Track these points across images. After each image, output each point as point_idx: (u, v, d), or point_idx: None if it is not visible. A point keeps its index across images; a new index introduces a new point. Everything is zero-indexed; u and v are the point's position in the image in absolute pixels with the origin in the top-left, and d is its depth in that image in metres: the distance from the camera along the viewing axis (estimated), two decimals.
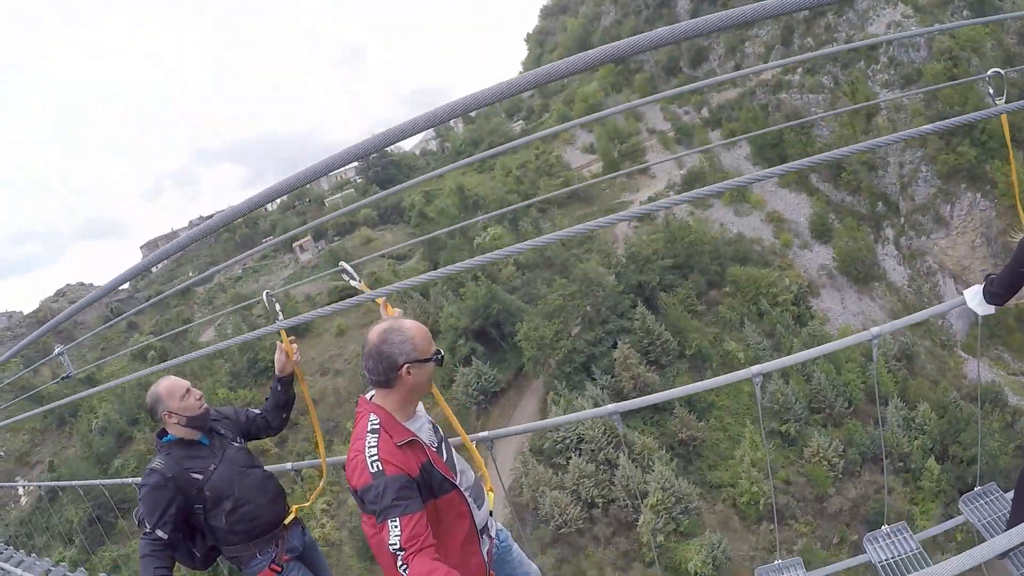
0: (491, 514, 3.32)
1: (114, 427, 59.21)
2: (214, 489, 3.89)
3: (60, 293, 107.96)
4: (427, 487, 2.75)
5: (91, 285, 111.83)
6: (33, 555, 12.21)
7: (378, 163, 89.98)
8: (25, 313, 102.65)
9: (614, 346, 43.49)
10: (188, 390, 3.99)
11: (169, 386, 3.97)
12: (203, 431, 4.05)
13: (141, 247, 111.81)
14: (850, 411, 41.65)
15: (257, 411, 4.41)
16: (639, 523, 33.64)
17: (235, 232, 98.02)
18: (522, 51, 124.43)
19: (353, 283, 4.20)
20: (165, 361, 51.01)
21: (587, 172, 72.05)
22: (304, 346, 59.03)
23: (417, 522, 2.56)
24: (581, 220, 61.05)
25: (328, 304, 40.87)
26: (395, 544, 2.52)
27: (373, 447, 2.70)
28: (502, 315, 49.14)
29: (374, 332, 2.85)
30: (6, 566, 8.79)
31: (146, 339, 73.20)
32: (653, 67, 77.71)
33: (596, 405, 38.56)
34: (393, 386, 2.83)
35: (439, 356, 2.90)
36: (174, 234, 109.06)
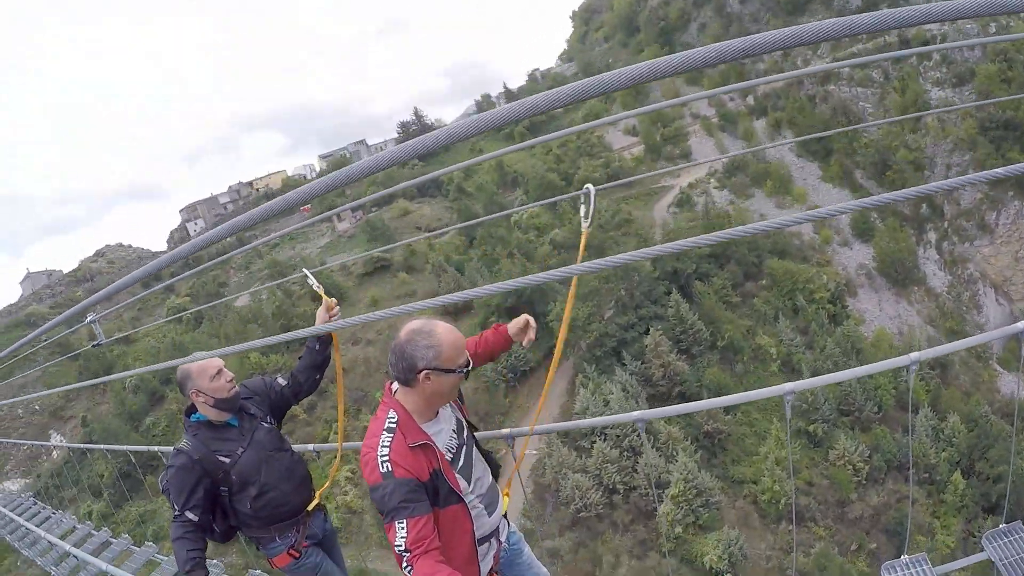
0: (504, 516, 3.29)
1: (147, 386, 60.33)
2: (240, 474, 3.85)
3: (99, 253, 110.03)
4: (434, 493, 2.70)
5: (128, 246, 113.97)
6: (59, 512, 12.37)
7: (419, 135, 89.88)
8: (64, 272, 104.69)
9: (646, 332, 43.37)
10: (220, 371, 3.88)
11: (200, 367, 3.87)
12: (232, 412, 3.99)
13: (180, 210, 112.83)
14: (879, 416, 41.03)
15: (284, 381, 4.29)
16: (658, 513, 33.59)
17: (273, 198, 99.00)
18: (567, 28, 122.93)
19: (314, 287, 4.13)
20: (200, 324, 52.23)
21: (628, 154, 71.67)
22: (340, 316, 59.39)
23: (424, 525, 2.55)
24: (620, 203, 60.89)
25: (363, 274, 41.39)
26: (400, 545, 2.53)
27: (386, 447, 2.67)
28: (535, 294, 48.73)
29: (405, 329, 2.77)
30: (29, 525, 8.98)
31: (182, 301, 74.89)
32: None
33: (624, 391, 39.02)
34: (412, 387, 2.76)
35: (465, 369, 2.76)
36: (213, 199, 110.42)
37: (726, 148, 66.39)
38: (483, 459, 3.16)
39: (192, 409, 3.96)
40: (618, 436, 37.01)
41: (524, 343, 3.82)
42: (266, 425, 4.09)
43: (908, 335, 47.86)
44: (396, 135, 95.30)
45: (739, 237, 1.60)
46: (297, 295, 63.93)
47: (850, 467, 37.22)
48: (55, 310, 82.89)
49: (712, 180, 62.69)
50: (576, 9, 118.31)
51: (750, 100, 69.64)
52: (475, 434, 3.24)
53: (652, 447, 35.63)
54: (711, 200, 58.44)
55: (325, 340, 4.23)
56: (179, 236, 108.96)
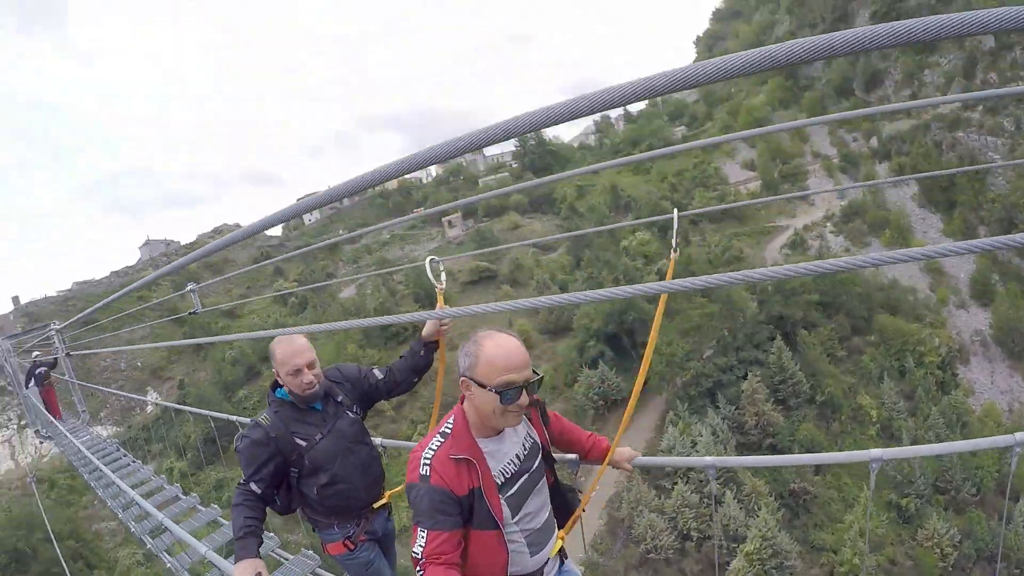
0: (561, 556, 3.06)
1: (245, 359, 63.33)
2: (314, 460, 3.80)
3: (216, 231, 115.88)
4: (469, 511, 2.58)
5: (239, 226, 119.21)
6: (139, 462, 12.75)
7: (535, 150, 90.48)
8: (182, 243, 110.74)
9: (744, 377, 42.39)
10: (300, 371, 3.75)
11: (285, 354, 3.76)
12: (316, 399, 3.91)
13: (297, 200, 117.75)
14: (976, 498, 38.19)
15: (381, 375, 4.20)
16: (730, 567, 32.42)
17: (388, 199, 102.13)
18: (690, 53, 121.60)
19: (435, 282, 3.94)
20: (304, 309, 54.61)
21: (744, 189, 70.41)
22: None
23: (445, 540, 2.50)
24: (732, 239, 60.42)
25: (468, 282, 42.45)
26: (417, 553, 2.53)
27: (431, 451, 2.61)
28: (637, 323, 48.35)
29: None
30: (105, 468, 8.92)
31: (290, 286, 78.52)
32: (825, 86, 74.62)
33: (714, 435, 38.20)
34: (465, 396, 2.69)
35: (505, 392, 2.51)
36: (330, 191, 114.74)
37: (845, 192, 64.84)
38: (551, 495, 2.99)
39: (278, 384, 3.92)
40: (701, 481, 36.16)
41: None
42: (351, 415, 4.03)
43: (1019, 413, 44.78)
44: (513, 147, 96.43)
45: (831, 272, 1.70)
46: (401, 295, 65.77)
47: (937, 550, 34.62)
48: (168, 278, 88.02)
49: (828, 224, 61.22)
50: (700, 35, 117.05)
51: (874, 142, 67.52)
52: (553, 462, 3.07)
53: (734, 498, 34.70)
54: (825, 244, 57.10)
55: (430, 346, 4.12)
56: (293, 223, 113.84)
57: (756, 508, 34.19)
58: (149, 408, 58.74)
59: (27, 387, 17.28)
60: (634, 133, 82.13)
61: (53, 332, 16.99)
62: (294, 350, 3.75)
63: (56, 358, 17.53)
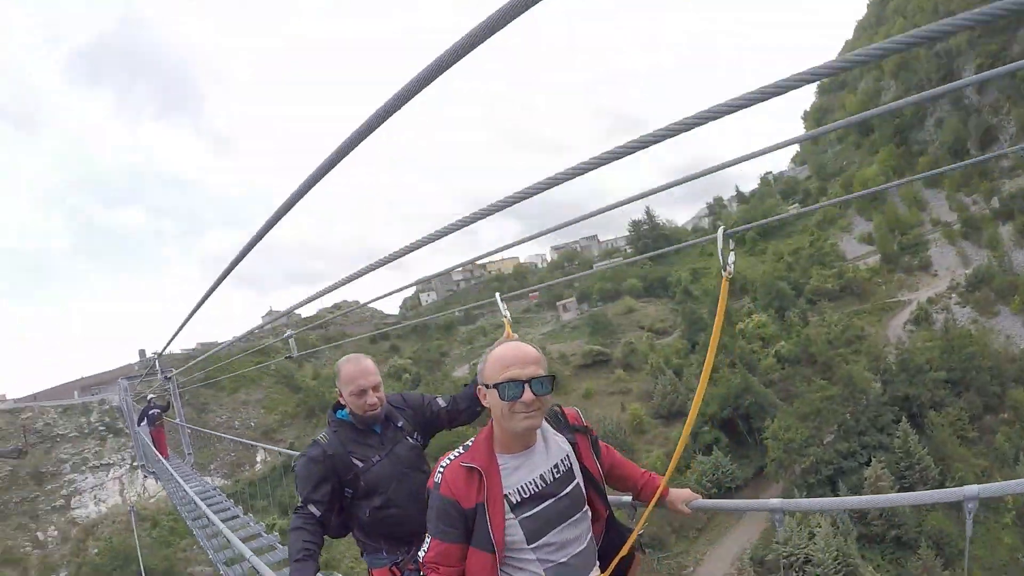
0: None
1: None
2: (369, 482, 3.78)
3: (336, 306, 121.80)
4: (470, 527, 2.49)
5: (363, 304, 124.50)
6: (248, 515, 12.95)
7: (649, 234, 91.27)
8: (302, 316, 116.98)
9: (867, 463, 41.08)
10: (365, 392, 3.76)
11: (351, 373, 3.81)
12: (376, 422, 3.91)
13: (414, 282, 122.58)
14: None
15: (444, 403, 4.13)
16: None
17: (503, 282, 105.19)
18: (799, 129, 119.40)
19: (503, 315, 4.10)
20: (417, 385, 56.62)
21: (863, 264, 69.01)
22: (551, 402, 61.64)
23: (445, 551, 2.48)
24: (851, 317, 59.09)
25: (582, 365, 42.78)
26: (420, 557, 2.56)
27: (448, 460, 2.59)
28: (753, 408, 48.34)
29: None
30: (214, 518, 8.82)
31: (404, 363, 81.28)
32: (938, 148, 72.47)
33: (834, 525, 36.84)
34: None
35: (505, 386, 2.43)
36: (447, 274, 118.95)
37: (969, 258, 62.40)
38: (607, 532, 2.80)
39: (340, 405, 3.96)
40: None
41: None
42: (410, 441, 3.98)
43: None
44: (627, 233, 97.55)
45: None
46: None
47: None
48: (285, 348, 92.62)
49: (953, 295, 59.14)
50: (807, 109, 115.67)
51: (995, 203, 64.58)
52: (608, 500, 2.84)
53: None
54: (952, 317, 55.11)
55: None
56: (411, 303, 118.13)
57: None
58: (258, 466, 61.36)
59: (139, 425, 18.83)
60: (747, 213, 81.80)
61: (169, 377, 19.05)
62: (361, 370, 3.80)
63: (169, 401, 19.41)
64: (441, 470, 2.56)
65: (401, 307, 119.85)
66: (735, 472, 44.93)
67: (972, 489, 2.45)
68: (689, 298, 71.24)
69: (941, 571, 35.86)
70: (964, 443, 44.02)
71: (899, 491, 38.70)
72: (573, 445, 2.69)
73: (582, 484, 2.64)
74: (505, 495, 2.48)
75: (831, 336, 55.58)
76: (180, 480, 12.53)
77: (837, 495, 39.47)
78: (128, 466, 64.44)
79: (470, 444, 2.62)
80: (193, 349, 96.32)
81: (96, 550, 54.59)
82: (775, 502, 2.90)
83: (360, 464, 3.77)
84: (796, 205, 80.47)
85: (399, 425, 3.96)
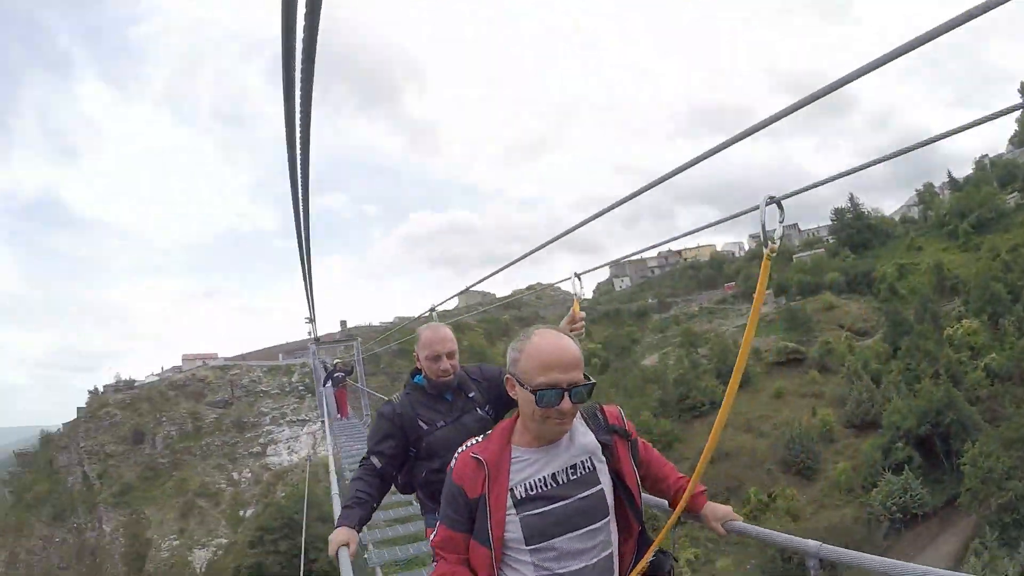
0: None
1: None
2: (431, 444, 3.89)
3: (531, 288, 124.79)
4: (474, 517, 2.40)
5: (557, 288, 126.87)
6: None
7: (852, 224, 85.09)
8: (497, 296, 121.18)
9: None
10: (439, 357, 3.94)
11: (429, 339, 4.01)
12: (447, 389, 4.06)
13: (609, 265, 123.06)
14: None
15: None
16: None
17: (700, 271, 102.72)
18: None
19: (575, 293, 3.91)
20: (605, 371, 57.17)
21: None
22: (740, 398, 59.83)
23: (450, 538, 2.42)
24: None
25: (775, 363, 40.80)
26: (430, 541, 2.57)
27: (466, 447, 2.49)
28: (954, 427, 43.93)
29: None
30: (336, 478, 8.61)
31: (595, 346, 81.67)
32: None
33: None
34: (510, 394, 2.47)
35: (542, 394, 2.26)
36: (642, 261, 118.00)
37: None
38: (612, 550, 2.45)
39: (418, 371, 4.12)
40: None
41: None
42: (479, 412, 4.04)
43: None
44: (830, 221, 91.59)
45: None
46: (703, 369, 65.45)
47: None
48: (482, 324, 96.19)
49: None
50: None
51: None
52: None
53: None
54: None
55: None
56: (604, 289, 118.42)
57: None
58: None
59: (324, 385, 20.06)
60: (960, 202, 73.75)
61: (355, 343, 20.47)
62: (438, 337, 3.99)
63: (353, 366, 21.04)
64: (457, 455, 2.48)
65: (595, 291, 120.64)
66: (925, 498, 41.16)
67: (812, 545, 2.43)
68: (894, 296, 65.97)
69: None
70: None
71: None
72: (607, 447, 2.50)
73: (607, 492, 2.44)
74: (510, 488, 2.36)
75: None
76: (329, 435, 13.99)
77: None
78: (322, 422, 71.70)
79: (488, 435, 2.52)
80: (391, 322, 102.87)
81: (283, 493, 59.93)
82: (812, 544, 2.58)
83: (425, 427, 3.92)
84: (1016, 195, 71.54)
85: (470, 395, 4.07)
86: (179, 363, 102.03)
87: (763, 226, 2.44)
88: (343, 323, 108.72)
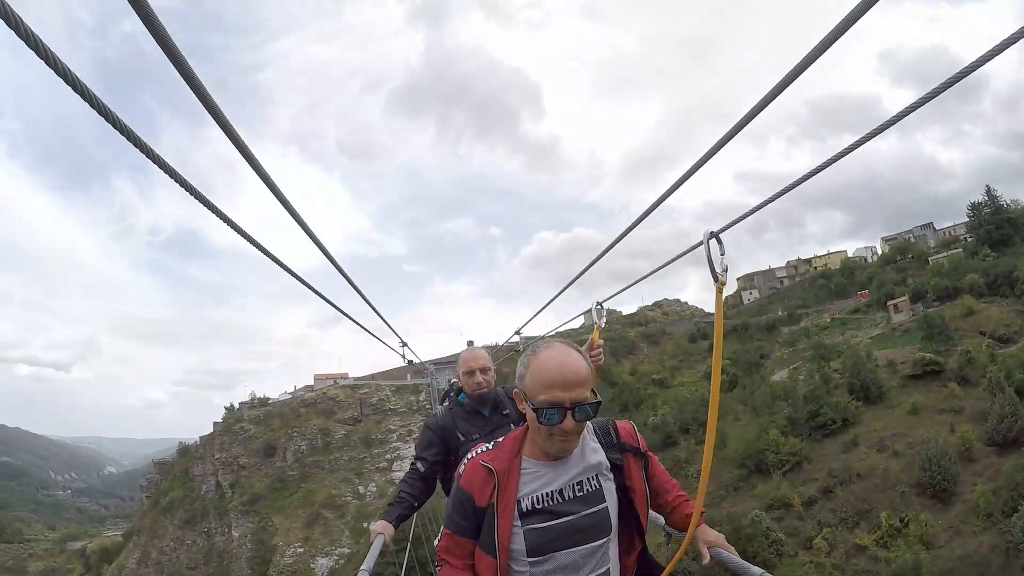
0: None
1: (665, 427, 66.33)
2: (466, 454, 4.04)
3: (656, 304, 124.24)
4: (481, 525, 2.39)
5: (684, 303, 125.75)
6: None
7: (992, 220, 78.58)
8: (623, 313, 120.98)
9: None
10: (473, 372, 4.50)
11: (465, 358, 4.58)
12: (482, 406, 4.57)
13: (737, 279, 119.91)
14: None
15: None
16: None
17: (831, 280, 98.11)
18: None
19: (596, 322, 4.01)
20: (734, 387, 56.01)
21: None
22: (872, 415, 57.17)
23: (455, 544, 2.42)
24: None
25: (910, 375, 38.53)
26: (436, 547, 2.54)
27: (475, 454, 2.50)
28: None
29: None
30: None
31: (723, 362, 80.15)
32: None
33: None
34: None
35: (543, 411, 2.26)
36: (770, 271, 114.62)
37: None
38: (624, 564, 2.54)
39: (462, 390, 4.65)
40: None
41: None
42: (512, 428, 4.14)
43: None
44: (967, 218, 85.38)
45: None
46: (835, 383, 62.27)
47: None
48: (608, 342, 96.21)
49: None
50: None
51: None
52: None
53: None
54: None
55: None
56: (732, 302, 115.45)
57: None
58: None
59: (440, 404, 21.35)
60: None
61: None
62: (473, 356, 4.56)
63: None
64: (465, 462, 2.50)
65: (725, 305, 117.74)
66: None
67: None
68: None
69: None
70: None
71: None
72: (617, 466, 2.50)
73: (612, 510, 2.44)
74: (518, 500, 2.36)
75: None
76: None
77: None
78: None
79: (498, 443, 2.52)
80: (516, 342, 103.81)
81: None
82: (756, 571, 2.59)
83: (462, 438, 4.40)
84: None
85: (505, 412, 4.53)
86: (311, 382, 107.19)
87: (709, 261, 2.49)
88: (470, 343, 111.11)
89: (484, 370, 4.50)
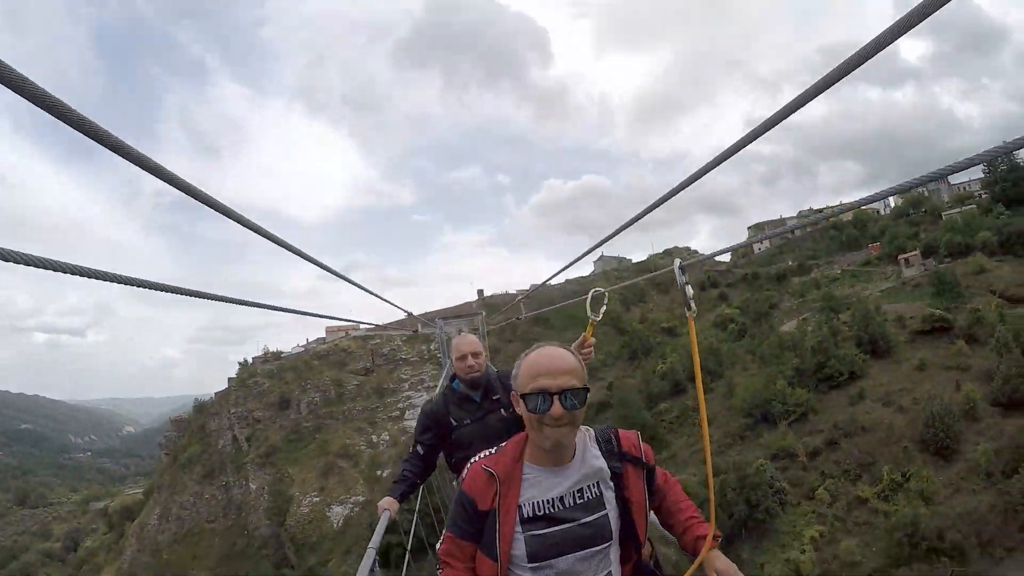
0: None
1: (673, 375, 67.64)
2: (459, 437, 4.64)
3: (667, 252, 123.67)
4: (483, 528, 2.42)
5: (694, 250, 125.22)
6: None
7: (1008, 177, 77.05)
8: (633, 261, 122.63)
9: None
10: (464, 356, 4.70)
11: (456, 343, 4.80)
12: (474, 389, 4.76)
13: (748, 227, 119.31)
14: None
15: None
16: None
17: (842, 231, 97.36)
18: None
19: (590, 315, 3.62)
20: (743, 336, 56.21)
21: None
22: (879, 369, 57.73)
23: (457, 547, 2.44)
24: None
25: (918, 331, 39.28)
26: (437, 550, 2.58)
27: (478, 459, 2.53)
28: None
29: None
30: None
31: (732, 312, 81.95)
32: None
33: None
34: None
35: (530, 397, 2.32)
36: (780, 220, 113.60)
37: None
38: (623, 572, 2.53)
39: (456, 376, 4.86)
40: None
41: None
42: (503, 412, 4.63)
43: None
44: (982, 174, 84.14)
45: None
46: (843, 336, 62.61)
47: None
48: (616, 290, 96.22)
49: None
50: None
51: None
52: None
53: None
54: None
55: None
56: (742, 251, 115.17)
57: None
58: None
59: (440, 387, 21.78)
60: None
61: (479, 318, 21.15)
62: (464, 341, 4.79)
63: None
64: (468, 467, 2.52)
65: (733, 255, 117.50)
66: None
67: None
68: None
69: None
70: None
71: None
72: (617, 475, 2.51)
73: (612, 518, 2.45)
74: (519, 505, 2.39)
75: None
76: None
77: None
78: None
79: (502, 447, 2.54)
80: (527, 289, 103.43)
81: None
82: None
83: (455, 423, 4.66)
84: None
85: (495, 397, 4.70)
86: (323, 335, 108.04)
87: (682, 290, 2.66)
88: (480, 292, 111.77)
89: (475, 354, 4.71)
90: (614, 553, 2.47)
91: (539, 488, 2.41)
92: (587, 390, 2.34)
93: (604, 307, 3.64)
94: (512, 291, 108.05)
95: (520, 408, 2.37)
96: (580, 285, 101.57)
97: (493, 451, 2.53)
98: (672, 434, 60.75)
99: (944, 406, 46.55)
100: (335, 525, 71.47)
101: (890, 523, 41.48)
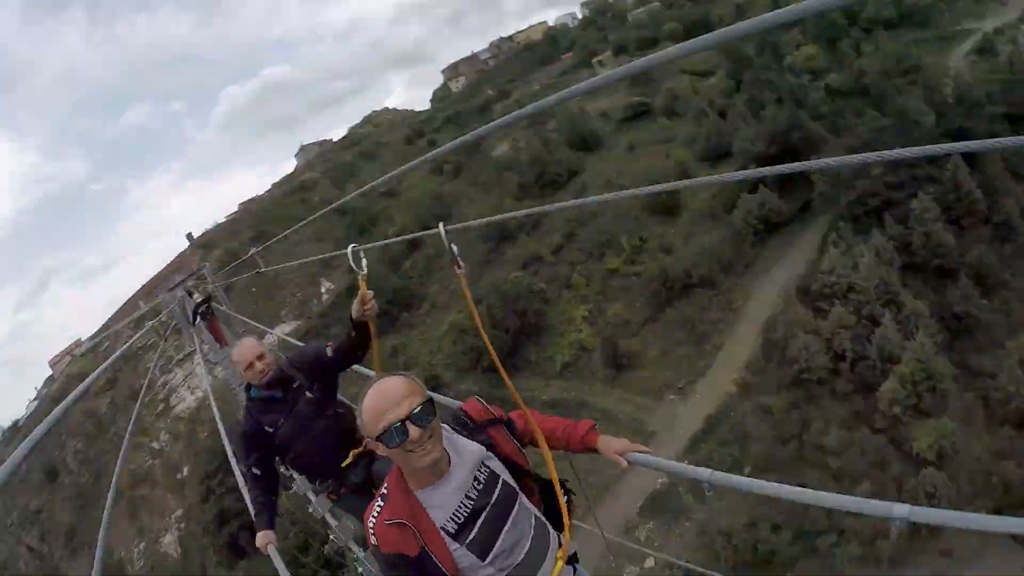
0: (574, 563, 2.69)
1: (406, 231, 66.26)
2: (282, 440, 4.49)
3: (367, 119, 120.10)
4: (424, 571, 2.33)
5: (394, 110, 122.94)
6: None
7: None
8: (335, 140, 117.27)
9: (914, 195, 39.21)
10: (252, 363, 4.43)
11: (241, 354, 4.51)
12: (275, 389, 4.53)
13: (442, 71, 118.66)
14: None
15: (331, 352, 4.47)
16: (882, 389, 31.68)
17: (535, 50, 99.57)
18: None
19: (359, 272, 3.65)
20: (458, 175, 55.99)
21: None
22: (595, 161, 60.78)
23: None
24: (912, 47, 54.55)
25: (622, 119, 40.76)
26: None
27: (372, 519, 2.39)
28: (801, 143, 46.13)
29: None
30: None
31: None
32: None
33: (878, 255, 36.76)
34: None
35: (385, 435, 2.22)
36: (474, 56, 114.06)
37: None
38: (535, 516, 2.58)
39: (251, 385, 4.59)
40: (860, 303, 35.20)
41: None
42: (308, 395, 4.54)
43: None
44: None
45: None
46: (554, 142, 64.61)
47: None
48: (326, 175, 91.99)
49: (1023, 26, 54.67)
50: None
51: None
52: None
53: (892, 319, 33.44)
54: (1019, 50, 50.38)
55: (360, 330, 4.12)
56: (440, 94, 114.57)
57: (915, 330, 32.94)
58: (324, 296, 64.00)
59: (194, 324, 19.32)
60: None
61: (204, 270, 19.19)
62: (244, 350, 4.52)
63: (209, 292, 20.20)
64: (372, 530, 2.38)
65: (431, 100, 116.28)
66: (781, 208, 43.92)
67: (903, 509, 2.14)
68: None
69: (979, 300, 35.74)
70: (1017, 179, 42.02)
71: (944, 224, 38.55)
72: (489, 444, 2.52)
73: (509, 479, 2.51)
74: (442, 528, 2.35)
75: (885, 66, 51.95)
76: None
77: (883, 227, 39.15)
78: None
79: (385, 495, 2.42)
80: (236, 212, 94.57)
81: (206, 434, 55.96)
82: (704, 472, 2.62)
83: (271, 430, 4.49)
84: None
85: (295, 385, 4.56)
86: (49, 373, 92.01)
87: (449, 249, 3.02)
88: (189, 235, 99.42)
89: (260, 357, 4.48)
90: (523, 500, 2.52)
91: (445, 503, 2.38)
92: (431, 399, 2.29)
93: (364, 260, 3.69)
94: (223, 219, 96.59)
95: (383, 450, 2.29)
96: (285, 184, 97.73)
97: (380, 505, 2.41)
98: (425, 286, 59.29)
99: (660, 174, 50.43)
100: (175, 553, 56.29)
101: (643, 277, 45.61)
